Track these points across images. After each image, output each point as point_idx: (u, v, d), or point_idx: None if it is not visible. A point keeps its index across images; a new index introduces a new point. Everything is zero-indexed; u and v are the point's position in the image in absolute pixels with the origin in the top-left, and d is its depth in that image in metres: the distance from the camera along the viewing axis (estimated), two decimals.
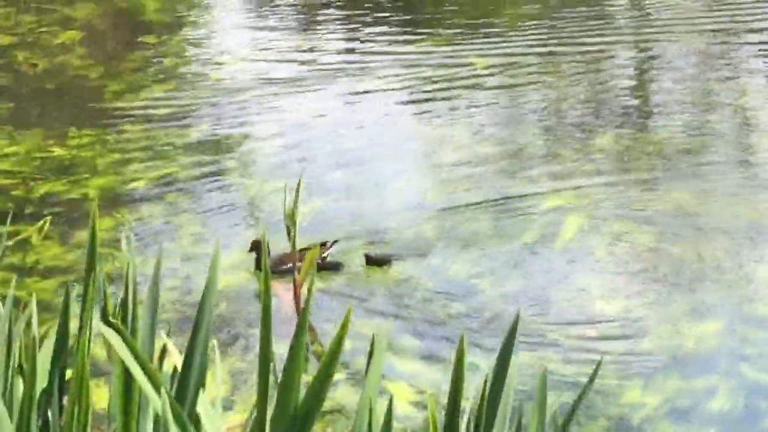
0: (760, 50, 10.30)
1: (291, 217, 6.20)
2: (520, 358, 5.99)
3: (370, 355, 2.96)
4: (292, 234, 6.23)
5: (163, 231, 7.36)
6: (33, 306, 3.03)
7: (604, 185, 7.74)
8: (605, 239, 7.04)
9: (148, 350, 2.79)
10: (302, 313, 2.72)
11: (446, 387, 2.95)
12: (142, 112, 9.46)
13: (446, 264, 6.83)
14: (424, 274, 6.72)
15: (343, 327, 2.72)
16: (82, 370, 2.77)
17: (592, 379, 3.03)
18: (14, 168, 8.38)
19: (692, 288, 6.46)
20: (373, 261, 6.81)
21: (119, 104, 9.62)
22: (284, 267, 6.49)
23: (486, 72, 9.98)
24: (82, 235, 7.34)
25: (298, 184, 6.19)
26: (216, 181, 8.09)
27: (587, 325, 6.18)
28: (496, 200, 7.63)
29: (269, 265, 2.83)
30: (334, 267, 6.78)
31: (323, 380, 2.67)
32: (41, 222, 7.40)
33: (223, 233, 7.28)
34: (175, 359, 2.88)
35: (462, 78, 9.83)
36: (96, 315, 2.93)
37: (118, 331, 2.54)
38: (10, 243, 7.16)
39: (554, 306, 6.37)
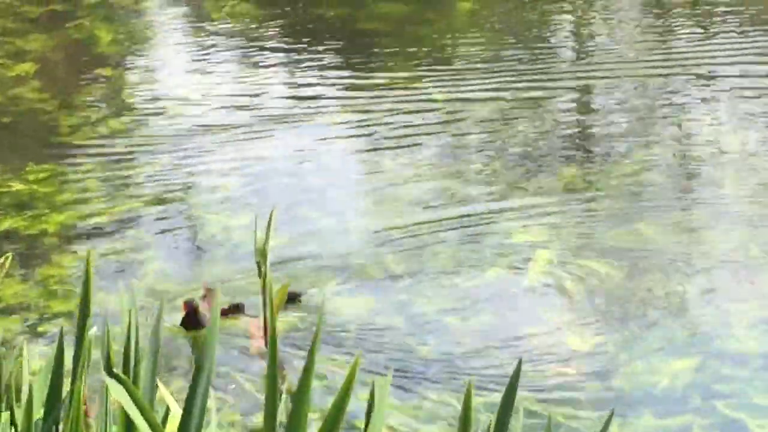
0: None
1: (262, 253, 6.13)
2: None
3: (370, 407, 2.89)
4: (263, 270, 6.15)
5: (126, 267, 7.25)
6: (24, 352, 2.93)
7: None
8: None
9: (148, 401, 2.71)
10: (308, 359, 2.64)
11: None
12: (99, 147, 9.34)
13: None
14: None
15: (350, 378, 2.64)
16: (77, 423, 2.68)
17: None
18: None
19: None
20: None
21: (76, 139, 9.50)
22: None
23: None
24: (44, 272, 7.22)
25: (270, 218, 6.13)
26: (178, 217, 8.00)
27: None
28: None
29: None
30: (292, 298, 6.66)
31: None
32: (2, 259, 7.27)
33: (187, 269, 7.21)
34: (173, 409, 2.79)
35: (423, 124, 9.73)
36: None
37: (120, 382, 2.46)
38: None
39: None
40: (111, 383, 2.49)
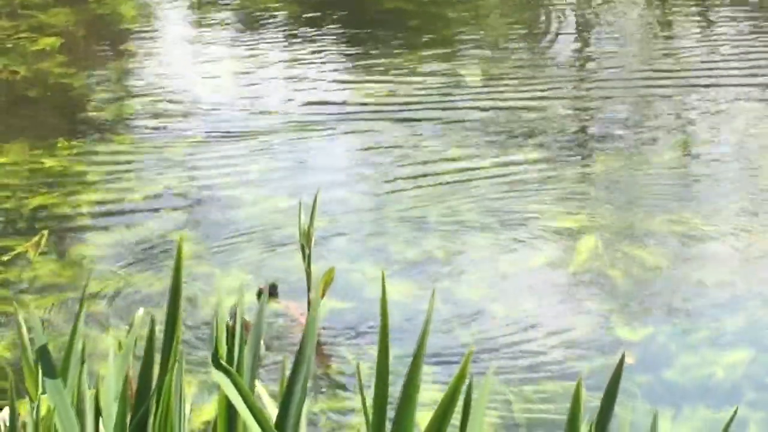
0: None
1: (306, 235, 6.01)
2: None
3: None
4: (306, 254, 6.03)
5: (166, 249, 7.11)
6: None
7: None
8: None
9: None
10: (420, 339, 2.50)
11: None
12: (129, 122, 9.20)
13: None
14: None
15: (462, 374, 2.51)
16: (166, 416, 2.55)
17: None
18: (2, 180, 8.09)
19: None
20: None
21: (105, 115, 9.36)
22: None
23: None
24: (79, 251, 7.09)
25: (314, 201, 5.99)
26: (214, 195, 7.85)
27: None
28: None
29: None
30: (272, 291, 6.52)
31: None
32: (38, 236, 7.14)
33: (224, 248, 7.08)
34: (267, 405, 2.66)
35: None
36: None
37: (228, 374, 2.33)
38: (6, 258, 6.90)
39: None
40: (218, 375, 2.36)
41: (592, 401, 3.18)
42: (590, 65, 10.34)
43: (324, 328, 6.14)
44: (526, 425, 5.56)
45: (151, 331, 2.62)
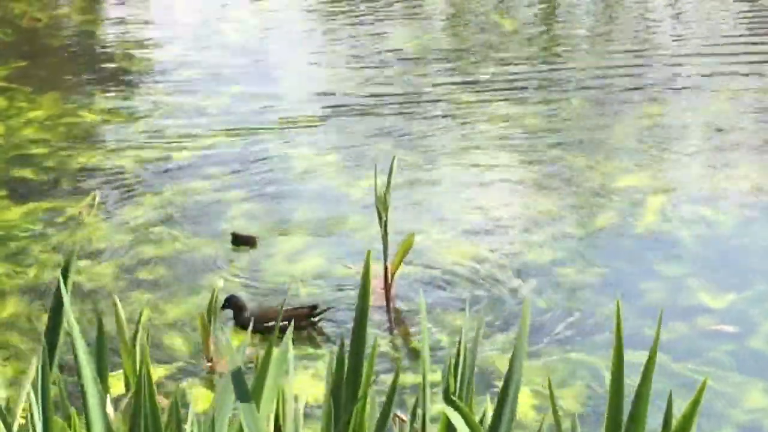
0: None
1: (382, 201, 5.77)
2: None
3: None
4: (383, 220, 5.79)
5: (212, 211, 6.85)
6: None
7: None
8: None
9: None
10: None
11: None
12: (161, 75, 8.91)
13: None
14: None
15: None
16: None
17: None
18: (41, 135, 7.81)
19: None
20: (239, 240, 6.41)
21: (135, 66, 9.07)
22: (268, 324, 5.58)
23: None
24: (128, 213, 6.83)
25: (391, 168, 5.75)
26: (257, 153, 7.60)
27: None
28: None
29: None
30: (248, 242, 6.38)
31: None
32: (89, 197, 6.88)
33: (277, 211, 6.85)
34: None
35: None
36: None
37: (459, 410, 2.12)
38: (59, 221, 6.65)
39: None
40: (450, 412, 2.17)
41: None
42: None
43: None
44: None
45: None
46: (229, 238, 6.41)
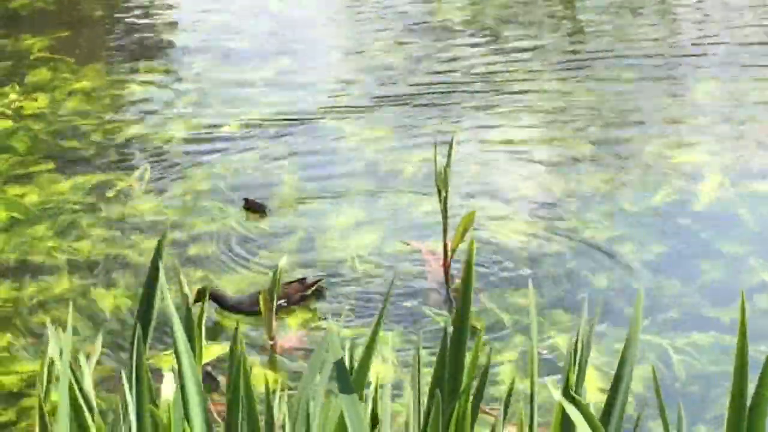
0: None
1: (442, 178, 5.68)
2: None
3: None
4: (443, 196, 5.70)
5: (261, 185, 6.76)
6: None
7: None
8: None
9: None
10: None
11: None
12: (204, 45, 8.78)
13: None
14: None
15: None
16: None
17: None
18: (86, 107, 7.72)
19: None
20: (250, 206, 6.39)
21: (177, 37, 8.96)
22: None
23: None
24: (178, 186, 6.74)
25: (451, 145, 5.64)
26: (304, 126, 7.48)
27: None
28: None
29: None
30: (260, 208, 6.35)
31: None
32: (141, 170, 6.79)
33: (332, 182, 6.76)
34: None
35: None
36: None
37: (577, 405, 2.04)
38: (110, 195, 6.57)
39: None
40: (567, 405, 2.08)
41: None
42: None
43: None
44: None
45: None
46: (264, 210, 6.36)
